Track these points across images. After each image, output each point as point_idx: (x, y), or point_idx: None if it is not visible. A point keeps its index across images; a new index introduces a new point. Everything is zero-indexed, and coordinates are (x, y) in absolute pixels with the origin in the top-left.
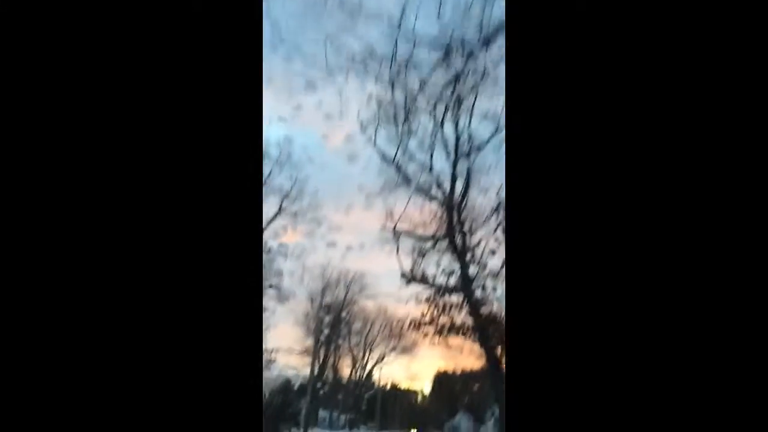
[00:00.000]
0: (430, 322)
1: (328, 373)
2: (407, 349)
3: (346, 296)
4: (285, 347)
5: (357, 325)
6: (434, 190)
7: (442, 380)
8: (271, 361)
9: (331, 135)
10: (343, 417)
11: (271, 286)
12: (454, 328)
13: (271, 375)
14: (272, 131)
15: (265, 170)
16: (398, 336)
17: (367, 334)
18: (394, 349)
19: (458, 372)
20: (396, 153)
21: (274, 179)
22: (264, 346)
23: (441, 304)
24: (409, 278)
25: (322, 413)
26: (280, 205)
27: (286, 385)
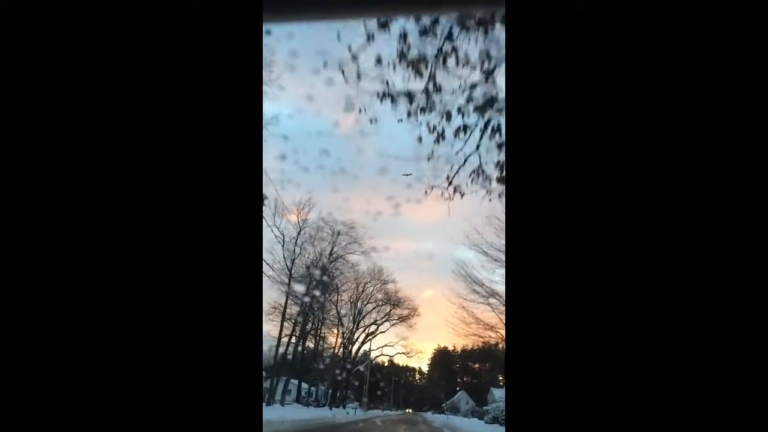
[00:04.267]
0: None
1: (310, 342)
2: (404, 319)
3: (332, 251)
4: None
5: (344, 288)
6: None
7: (441, 357)
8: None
9: None
10: (331, 392)
11: None
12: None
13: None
14: None
15: None
16: (395, 303)
17: (357, 299)
18: (387, 317)
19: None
20: None
21: None
22: None
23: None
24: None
25: (305, 387)
26: None
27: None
